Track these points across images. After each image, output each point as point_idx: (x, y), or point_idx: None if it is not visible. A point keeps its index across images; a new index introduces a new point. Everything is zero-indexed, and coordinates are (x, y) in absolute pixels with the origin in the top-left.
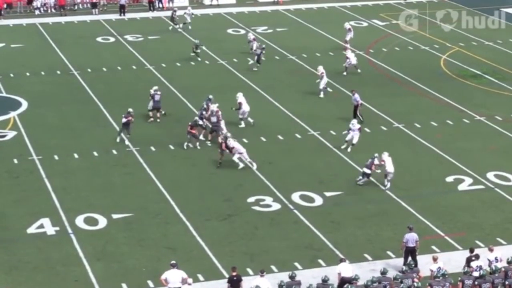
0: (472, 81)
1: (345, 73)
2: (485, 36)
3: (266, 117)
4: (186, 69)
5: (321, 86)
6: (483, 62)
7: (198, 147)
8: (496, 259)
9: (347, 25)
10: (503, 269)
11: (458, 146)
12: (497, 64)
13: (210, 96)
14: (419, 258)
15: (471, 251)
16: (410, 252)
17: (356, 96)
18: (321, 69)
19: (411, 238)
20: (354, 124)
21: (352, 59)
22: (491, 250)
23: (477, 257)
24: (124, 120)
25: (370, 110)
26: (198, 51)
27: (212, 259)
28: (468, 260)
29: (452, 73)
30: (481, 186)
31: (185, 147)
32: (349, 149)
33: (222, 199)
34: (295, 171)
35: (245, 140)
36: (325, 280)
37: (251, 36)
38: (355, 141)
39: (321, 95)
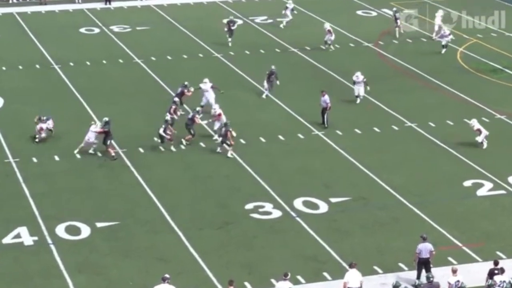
0: (491, 75)
1: (443, 51)
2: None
3: (265, 115)
4: (177, 63)
5: (362, 93)
6: (503, 55)
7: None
8: None
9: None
10: None
11: (477, 147)
12: None
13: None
14: (434, 270)
15: (495, 263)
16: (424, 264)
17: (326, 97)
18: (360, 75)
19: (425, 248)
20: (474, 123)
21: (448, 34)
22: None
23: (502, 271)
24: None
25: (380, 108)
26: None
27: (206, 272)
28: (491, 273)
29: (470, 67)
30: (502, 191)
31: (229, 155)
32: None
33: (217, 205)
34: (297, 175)
35: (242, 141)
36: None
37: (327, 25)
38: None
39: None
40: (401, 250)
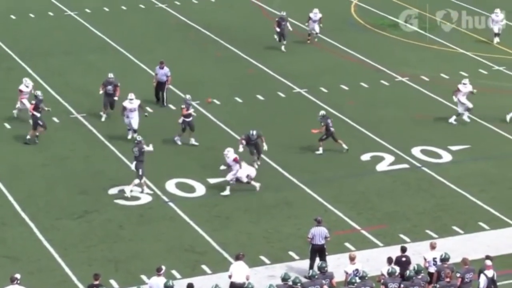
0: (391, 32)
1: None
2: None
3: (131, 83)
4: (22, 24)
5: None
6: (404, 8)
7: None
8: (434, 260)
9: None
10: (434, 270)
11: (376, 115)
12: (423, 10)
13: None
14: (329, 258)
15: (403, 250)
16: (318, 252)
17: (167, 69)
18: (318, 13)
19: (319, 233)
20: (229, 154)
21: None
22: (433, 247)
23: (405, 262)
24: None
25: (264, 72)
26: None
27: (65, 270)
28: (397, 261)
29: (366, 23)
30: (405, 165)
31: (178, 142)
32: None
33: (76, 191)
34: (169, 153)
35: (102, 114)
36: None
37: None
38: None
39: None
40: (291, 236)
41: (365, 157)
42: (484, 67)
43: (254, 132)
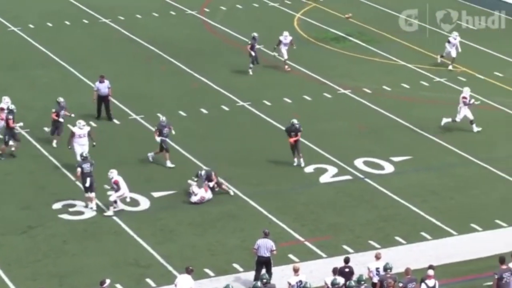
0: (333, 45)
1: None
2: None
3: (75, 98)
4: None
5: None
6: (347, 21)
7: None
8: (377, 270)
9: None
10: (377, 280)
11: (319, 127)
12: (364, 23)
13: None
14: (274, 270)
15: (346, 261)
16: (264, 264)
17: (107, 82)
18: (288, 36)
19: (264, 245)
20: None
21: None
22: (377, 258)
23: (348, 273)
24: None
25: (208, 86)
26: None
27: (8, 285)
28: (341, 272)
29: (309, 36)
30: (348, 177)
31: (150, 159)
32: None
33: (19, 206)
34: (113, 167)
35: (46, 129)
36: None
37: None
38: None
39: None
40: (236, 249)
41: (309, 169)
42: (425, 79)
43: (203, 173)
